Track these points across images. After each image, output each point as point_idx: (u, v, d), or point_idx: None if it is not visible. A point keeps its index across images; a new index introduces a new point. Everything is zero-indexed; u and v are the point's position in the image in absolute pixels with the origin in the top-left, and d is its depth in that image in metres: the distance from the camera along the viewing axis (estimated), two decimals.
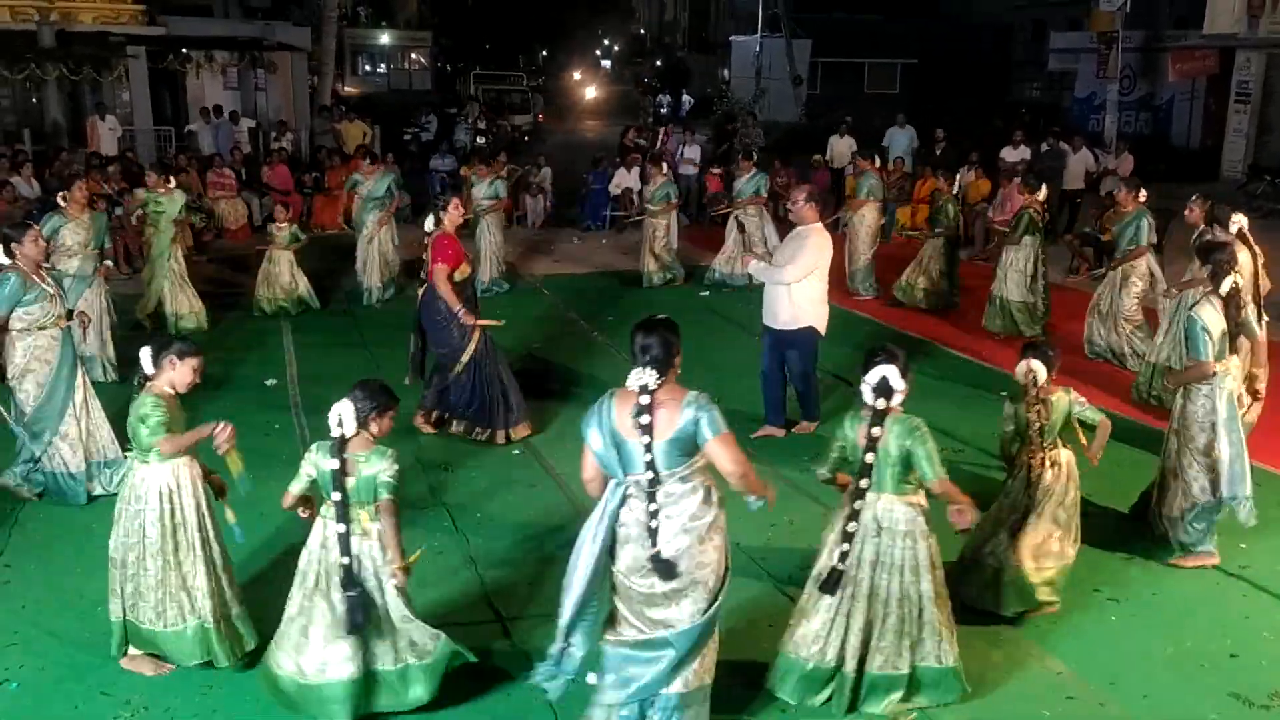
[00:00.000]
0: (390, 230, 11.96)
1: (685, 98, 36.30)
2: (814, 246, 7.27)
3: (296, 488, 4.42)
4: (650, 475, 3.87)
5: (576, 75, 59.35)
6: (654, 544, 3.90)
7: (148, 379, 4.66)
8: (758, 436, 7.62)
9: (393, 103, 34.72)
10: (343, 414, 4.23)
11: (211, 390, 8.64)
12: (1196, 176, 20.50)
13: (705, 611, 4.01)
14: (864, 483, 4.35)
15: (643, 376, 3.84)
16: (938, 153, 17.07)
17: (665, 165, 14.20)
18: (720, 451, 3.91)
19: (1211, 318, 5.66)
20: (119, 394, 7.50)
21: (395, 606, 4.37)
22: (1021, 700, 4.68)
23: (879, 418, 4.29)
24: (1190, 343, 5.75)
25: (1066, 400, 5.24)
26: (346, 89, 37.32)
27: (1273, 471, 7.00)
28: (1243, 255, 6.85)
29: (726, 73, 37.38)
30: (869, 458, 4.31)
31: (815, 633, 4.50)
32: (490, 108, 27.90)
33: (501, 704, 4.63)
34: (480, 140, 22.80)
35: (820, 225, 7.46)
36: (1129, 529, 6.22)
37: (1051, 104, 29.62)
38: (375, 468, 4.25)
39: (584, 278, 13.40)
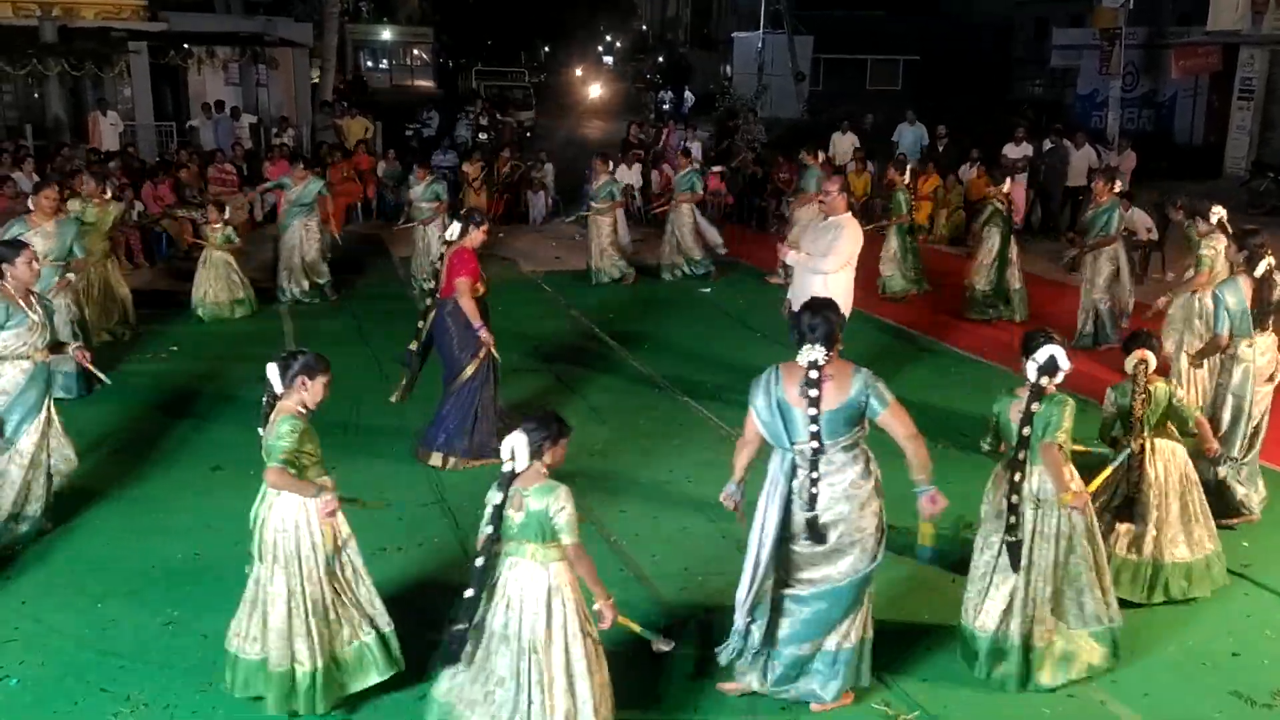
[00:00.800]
0: (316, 235, 11.49)
1: (687, 94, 36.25)
2: (849, 237, 7.48)
3: (488, 528, 4.07)
4: (815, 444, 4.20)
5: (578, 71, 59.27)
6: (812, 508, 4.25)
7: (276, 398, 4.43)
8: None
9: (394, 98, 34.72)
10: (515, 447, 3.96)
11: (212, 387, 8.67)
12: (1199, 174, 20.48)
13: (862, 571, 4.31)
14: (1021, 455, 4.53)
15: (812, 353, 4.19)
16: (940, 149, 17.04)
17: (667, 164, 14.23)
18: (894, 420, 4.27)
19: (1234, 297, 6.14)
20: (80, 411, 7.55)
21: (576, 658, 4.05)
22: (1023, 697, 4.67)
23: (1038, 394, 4.50)
24: (1214, 317, 6.33)
25: (1166, 391, 5.41)
26: (373, 84, 37.34)
27: (1275, 469, 6.98)
28: (1222, 243, 7.54)
29: (728, 69, 37.31)
30: (1025, 431, 4.50)
31: (989, 607, 4.67)
32: (495, 104, 27.87)
33: None
34: (481, 136, 22.80)
35: (850, 215, 7.61)
36: None
37: (1054, 101, 29.56)
38: (544, 502, 3.97)
39: (585, 274, 13.38)
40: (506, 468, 3.99)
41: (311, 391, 4.41)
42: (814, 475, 4.23)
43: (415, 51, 55.91)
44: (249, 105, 22.60)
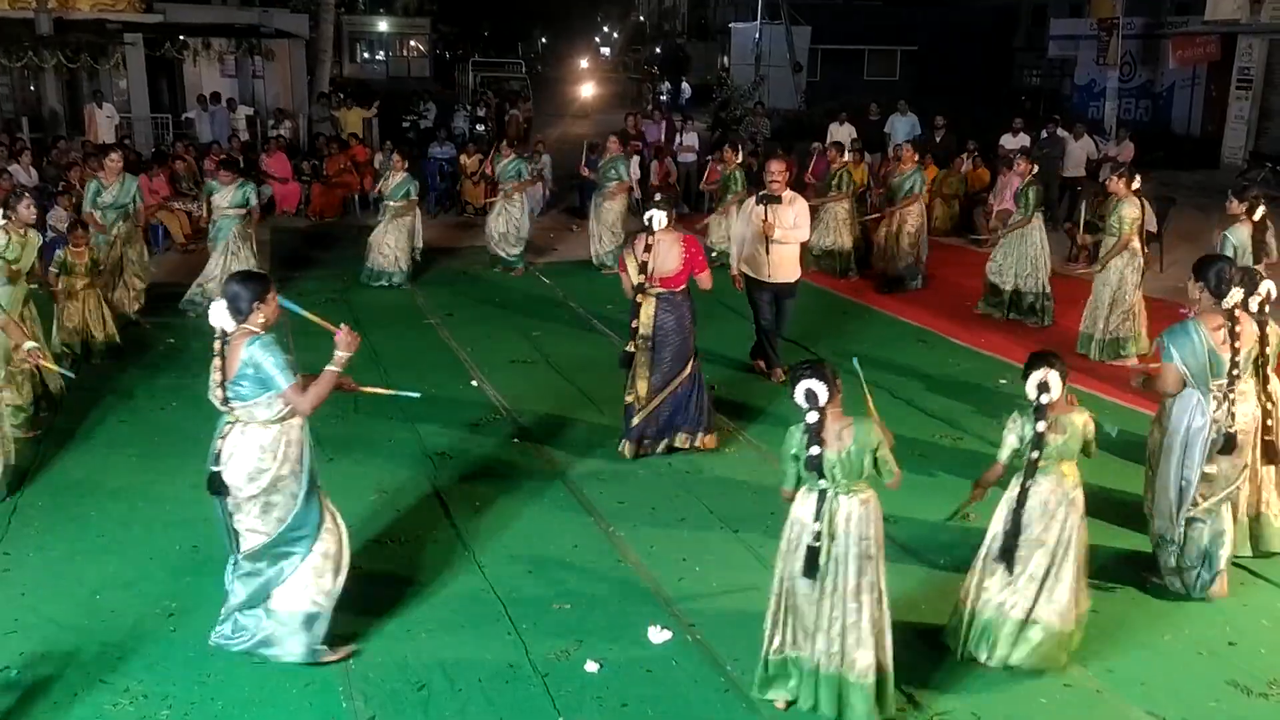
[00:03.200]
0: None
1: (685, 85, 36.16)
2: (807, 209, 8.53)
3: (1005, 456, 4.66)
4: (1228, 382, 5.18)
5: (575, 63, 59.16)
6: (1229, 428, 5.18)
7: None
8: (781, 381, 8.26)
9: (391, 89, 34.63)
10: (1049, 380, 4.46)
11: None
12: (1197, 164, 20.47)
13: None
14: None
15: (1235, 297, 5.19)
16: (937, 140, 17.01)
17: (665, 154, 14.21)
18: None
19: (1237, 237, 7.61)
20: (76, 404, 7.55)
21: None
22: (1018, 687, 4.68)
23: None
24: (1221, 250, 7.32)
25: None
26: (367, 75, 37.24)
27: None
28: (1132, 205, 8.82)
29: (726, 60, 37.23)
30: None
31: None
32: (499, 97, 27.80)
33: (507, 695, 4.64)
34: (479, 128, 22.75)
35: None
36: (1128, 514, 6.22)
37: (1052, 91, 29.54)
38: (1069, 429, 4.57)
39: (582, 265, 13.37)
40: (1044, 399, 4.46)
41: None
42: (1227, 408, 5.23)
43: (412, 43, 55.70)
44: (245, 97, 22.58)
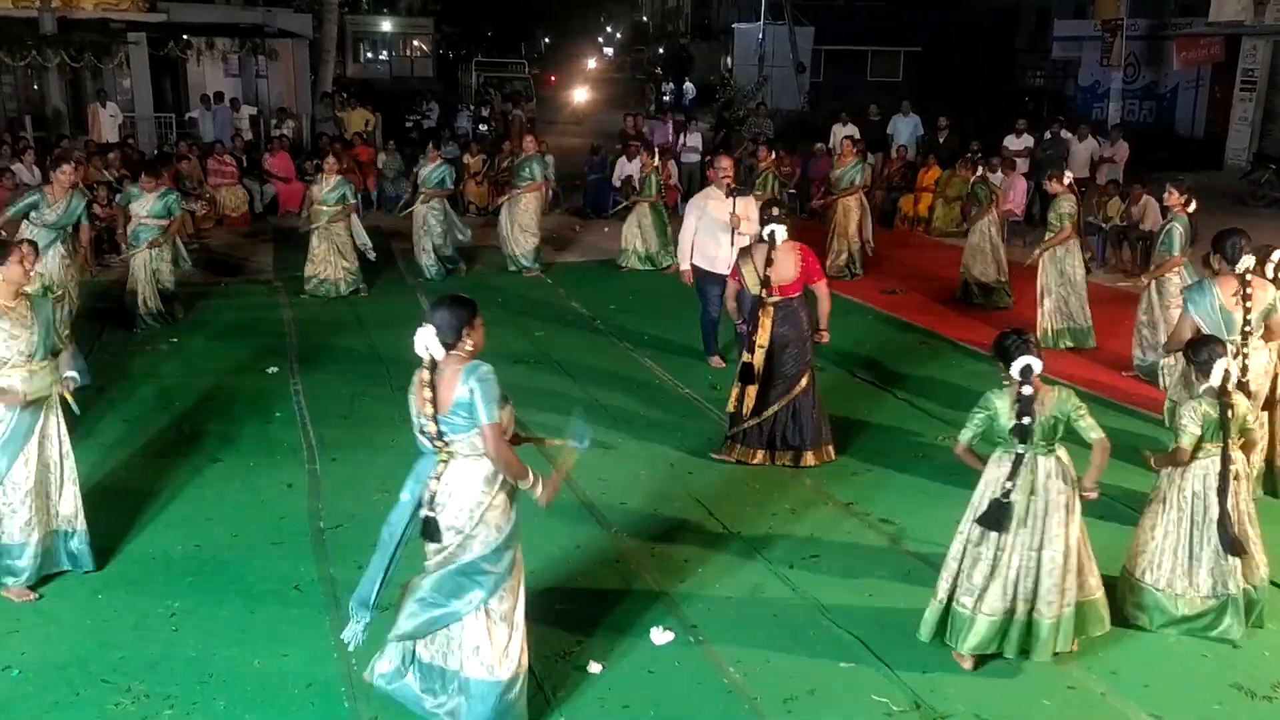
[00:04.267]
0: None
1: (688, 86, 36.16)
2: (754, 203, 8.63)
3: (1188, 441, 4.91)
4: (1241, 338, 5.75)
5: (579, 63, 59.17)
6: (1238, 380, 5.28)
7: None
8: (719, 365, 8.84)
9: (395, 89, 34.68)
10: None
11: (212, 379, 8.67)
12: (1200, 165, 20.42)
13: None
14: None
15: (1248, 263, 5.89)
16: (940, 141, 17.00)
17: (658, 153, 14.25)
18: None
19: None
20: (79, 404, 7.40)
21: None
22: (1021, 689, 4.67)
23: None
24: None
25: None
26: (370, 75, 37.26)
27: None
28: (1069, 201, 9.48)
29: (729, 60, 37.24)
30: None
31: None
32: (505, 97, 27.82)
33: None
34: (482, 128, 22.76)
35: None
36: (1131, 516, 6.21)
37: (1055, 92, 29.51)
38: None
39: (584, 266, 13.38)
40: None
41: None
42: (1237, 362, 5.47)
43: (415, 43, 55.73)
44: (249, 97, 22.59)
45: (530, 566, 5.63)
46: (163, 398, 8.23)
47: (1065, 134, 15.82)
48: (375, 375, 8.60)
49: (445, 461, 4.12)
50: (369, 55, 52.21)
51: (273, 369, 8.90)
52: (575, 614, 5.19)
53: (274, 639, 4.95)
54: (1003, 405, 4.60)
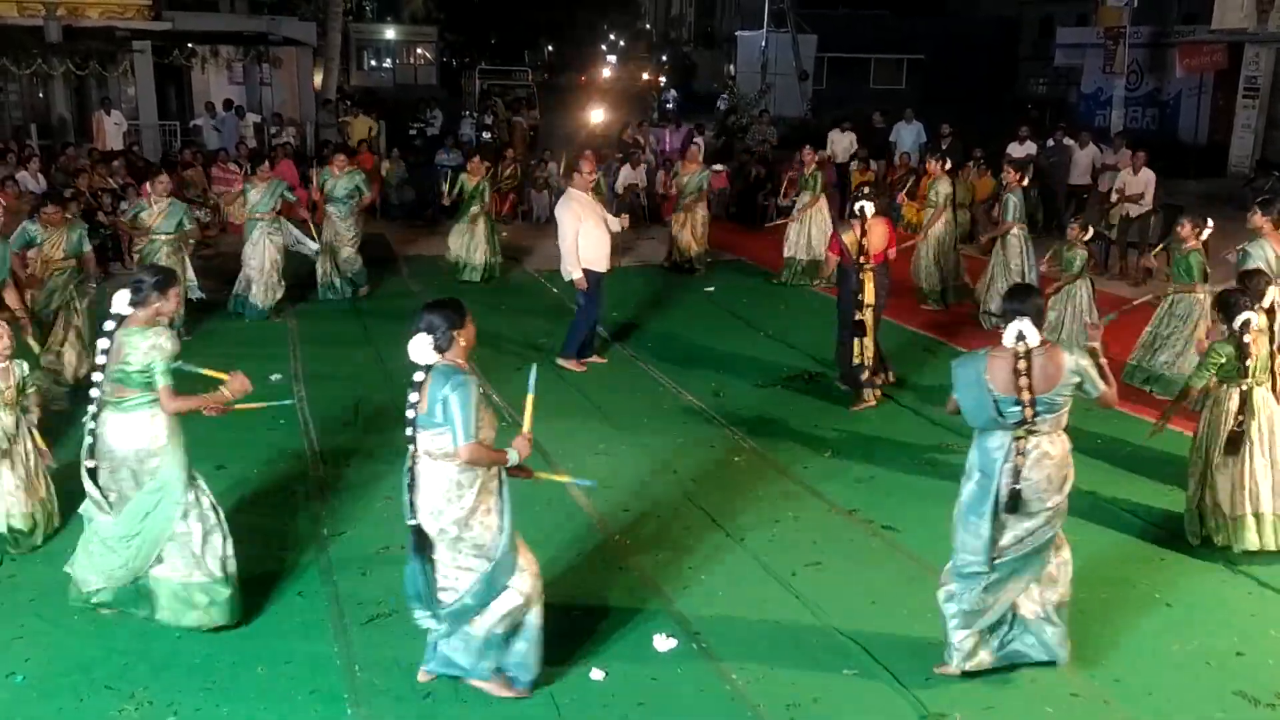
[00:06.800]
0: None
1: (672, 93, 36.22)
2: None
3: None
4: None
5: (582, 71, 59.28)
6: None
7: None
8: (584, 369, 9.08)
9: (398, 97, 34.80)
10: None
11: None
12: (1203, 172, 20.42)
13: None
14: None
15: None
16: (943, 148, 17.00)
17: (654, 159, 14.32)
18: None
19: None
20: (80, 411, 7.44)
21: None
22: (1024, 696, 4.67)
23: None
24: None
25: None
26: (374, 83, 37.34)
27: None
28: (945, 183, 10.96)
29: (732, 68, 37.31)
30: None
31: None
32: (508, 105, 27.86)
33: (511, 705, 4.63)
34: (485, 135, 22.80)
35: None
36: (1136, 524, 6.21)
37: (1058, 99, 29.54)
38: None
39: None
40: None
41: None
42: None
43: (419, 50, 55.90)
44: (253, 104, 22.65)
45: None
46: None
47: (1068, 141, 15.81)
48: (377, 381, 8.61)
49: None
50: (373, 63, 52.38)
51: (276, 376, 8.91)
52: (578, 621, 5.20)
53: (277, 645, 4.95)
54: (1229, 351, 5.67)
